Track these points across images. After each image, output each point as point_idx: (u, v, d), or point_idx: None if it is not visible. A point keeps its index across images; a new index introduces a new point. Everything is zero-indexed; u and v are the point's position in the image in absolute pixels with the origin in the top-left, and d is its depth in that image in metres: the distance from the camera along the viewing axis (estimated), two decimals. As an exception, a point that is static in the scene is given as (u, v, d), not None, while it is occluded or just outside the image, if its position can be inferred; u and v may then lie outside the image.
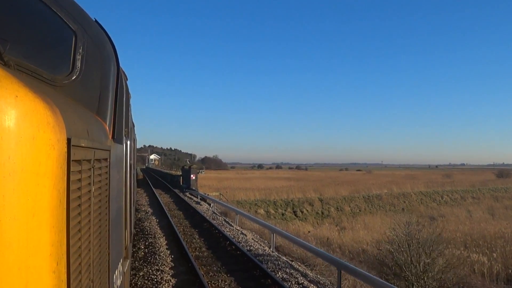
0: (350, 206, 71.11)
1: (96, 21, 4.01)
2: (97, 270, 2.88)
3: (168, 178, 72.01)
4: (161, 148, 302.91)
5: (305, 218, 61.61)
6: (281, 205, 66.34)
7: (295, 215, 63.89)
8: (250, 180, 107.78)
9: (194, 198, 43.92)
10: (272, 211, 63.09)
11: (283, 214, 63.15)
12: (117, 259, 4.20)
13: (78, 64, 3.48)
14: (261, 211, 61.26)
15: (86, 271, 2.49)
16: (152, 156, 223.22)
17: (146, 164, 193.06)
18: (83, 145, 2.34)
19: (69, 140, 2.01)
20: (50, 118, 1.79)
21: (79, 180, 2.32)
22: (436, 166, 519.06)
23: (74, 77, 3.40)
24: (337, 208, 69.25)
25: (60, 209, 1.89)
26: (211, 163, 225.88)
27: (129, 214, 6.58)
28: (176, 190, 50.96)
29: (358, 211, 69.44)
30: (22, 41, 3.20)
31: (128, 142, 6.01)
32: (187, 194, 47.92)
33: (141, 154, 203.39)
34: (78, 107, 3.11)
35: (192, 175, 52.25)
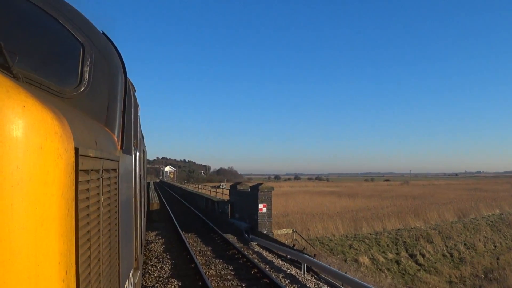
0: (481, 241, 46.52)
1: (103, 33, 4.05)
2: (107, 280, 2.89)
3: (201, 202, 46.05)
4: (175, 160, 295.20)
5: (433, 267, 38.80)
6: (387, 245, 41.04)
7: (416, 262, 39.42)
8: (291, 196, 74.05)
9: (299, 273, 17.37)
10: (380, 258, 37.94)
11: (397, 262, 38.47)
12: (127, 270, 4.21)
13: (86, 76, 3.51)
14: (365, 259, 36.26)
15: (96, 280, 2.50)
16: (167, 168, 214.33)
17: (160, 177, 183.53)
18: (91, 155, 2.35)
19: (76, 150, 2.02)
20: (58, 128, 1.81)
21: (88, 190, 2.33)
22: (456, 175, 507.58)
23: (82, 89, 3.43)
24: (464, 244, 44.91)
25: (68, 218, 1.90)
26: (227, 175, 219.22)
27: (140, 225, 6.60)
28: (231, 238, 24.19)
29: (493, 247, 45.98)
30: (30, 53, 3.24)
31: (138, 153, 6.04)
32: (258, 249, 22.53)
33: (154, 166, 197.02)
34: (86, 118, 3.13)
35: (261, 205, 26.67)
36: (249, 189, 29.09)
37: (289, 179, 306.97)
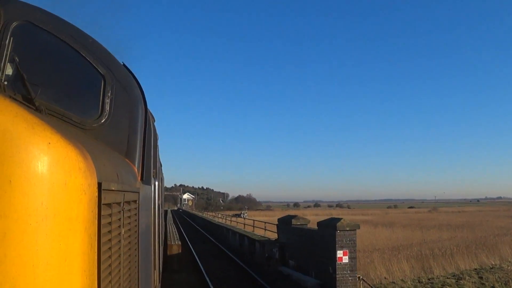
0: None
1: (124, 64, 4.10)
2: (127, 312, 2.87)
3: (233, 240, 35.18)
4: (193, 187, 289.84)
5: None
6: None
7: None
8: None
9: None
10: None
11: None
12: (146, 301, 4.19)
13: (107, 107, 3.55)
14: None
15: (117, 314, 2.49)
16: (185, 196, 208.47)
17: (178, 205, 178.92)
18: (113, 188, 2.37)
19: (99, 185, 2.05)
20: (82, 164, 1.84)
21: (110, 223, 2.35)
22: (478, 200, 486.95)
23: (103, 120, 3.47)
24: None
25: (91, 253, 1.92)
26: (246, 202, 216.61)
27: (158, 254, 6.61)
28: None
29: None
30: (52, 85, 3.30)
31: (156, 183, 6.07)
32: None
33: (172, 193, 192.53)
34: (108, 150, 3.16)
35: (340, 252, 17.16)
36: (317, 227, 19.34)
37: (309, 206, 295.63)
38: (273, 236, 27.06)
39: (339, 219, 17.73)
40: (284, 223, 23.13)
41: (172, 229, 33.65)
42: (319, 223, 18.94)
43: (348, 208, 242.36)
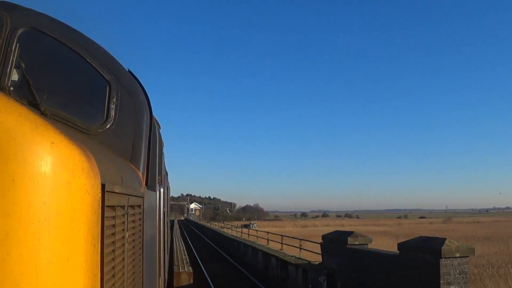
0: None
1: (129, 71, 4.11)
2: (131, 317, 2.86)
3: (254, 259, 29.85)
4: (200, 197, 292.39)
5: None
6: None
7: None
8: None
9: None
10: None
11: None
12: (151, 307, 4.17)
13: (112, 113, 3.56)
14: None
15: (120, 317, 2.48)
16: (193, 206, 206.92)
17: (185, 215, 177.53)
18: (117, 191, 2.38)
19: (103, 186, 2.06)
20: (85, 164, 1.85)
21: (113, 225, 2.35)
22: (487, 211, 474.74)
23: (108, 126, 3.49)
24: None
25: (94, 254, 1.92)
26: (253, 212, 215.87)
27: (163, 261, 6.60)
28: None
29: None
30: (58, 91, 3.32)
31: (162, 190, 6.08)
32: None
33: (179, 203, 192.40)
34: (112, 154, 3.18)
35: None
36: (397, 249, 13.38)
37: (317, 216, 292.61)
38: (309, 256, 22.01)
39: (442, 240, 11.96)
40: (334, 242, 17.07)
41: (179, 246, 26.86)
42: (403, 245, 13.21)
43: (357, 218, 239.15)
